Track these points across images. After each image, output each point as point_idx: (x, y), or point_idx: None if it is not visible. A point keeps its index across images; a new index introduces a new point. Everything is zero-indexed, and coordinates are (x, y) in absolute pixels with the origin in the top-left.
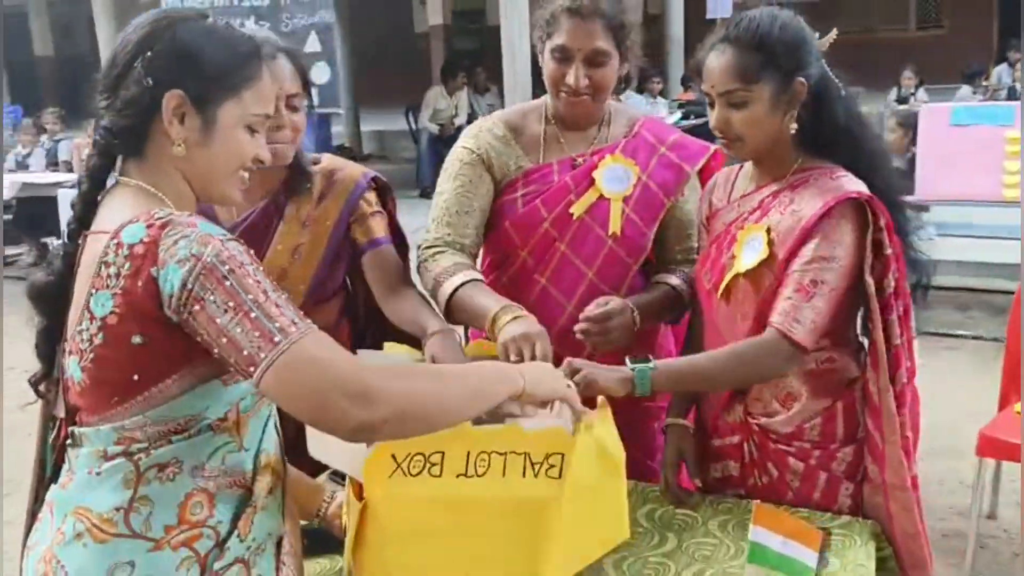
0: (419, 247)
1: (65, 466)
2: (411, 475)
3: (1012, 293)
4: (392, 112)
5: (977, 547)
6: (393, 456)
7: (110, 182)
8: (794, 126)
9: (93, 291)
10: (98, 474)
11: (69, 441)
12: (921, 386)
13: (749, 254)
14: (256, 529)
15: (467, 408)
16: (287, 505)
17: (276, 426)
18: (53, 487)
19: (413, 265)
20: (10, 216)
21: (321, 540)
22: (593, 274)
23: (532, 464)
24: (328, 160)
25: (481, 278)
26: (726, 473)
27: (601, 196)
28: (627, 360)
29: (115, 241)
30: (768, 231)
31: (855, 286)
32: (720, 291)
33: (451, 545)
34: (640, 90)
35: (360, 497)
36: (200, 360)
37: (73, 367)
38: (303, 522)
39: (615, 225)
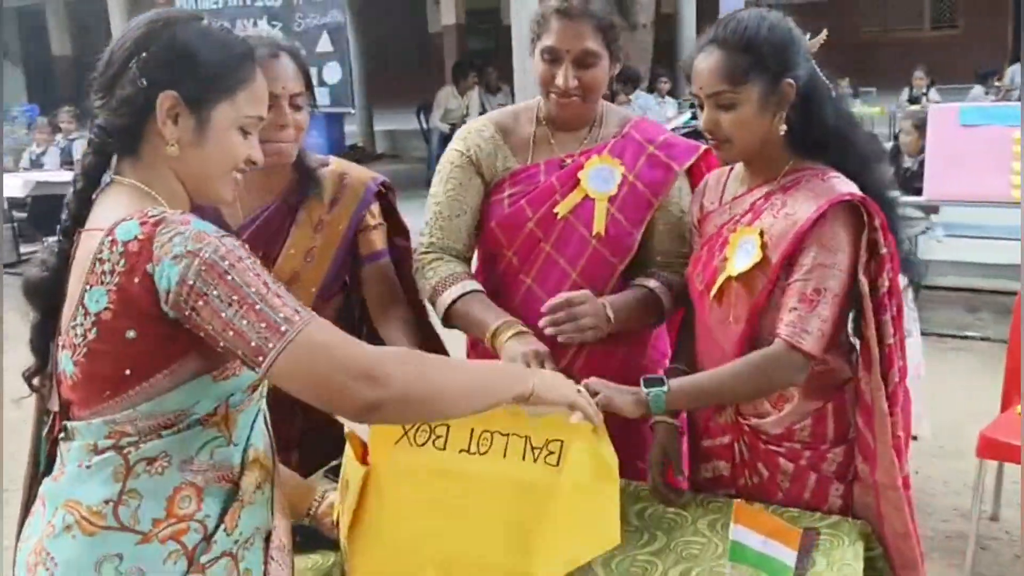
0: (416, 251)
1: (57, 460)
2: (416, 445)
3: None
4: (405, 112)
5: (979, 548)
6: None
7: (105, 180)
8: (783, 127)
9: (88, 287)
10: (88, 467)
11: (62, 435)
12: (929, 387)
13: (742, 257)
14: (243, 523)
15: (470, 402)
16: (277, 501)
17: (266, 423)
18: (46, 480)
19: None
20: (25, 214)
21: (312, 538)
22: (577, 274)
23: (532, 448)
24: (336, 163)
25: (478, 288)
26: (717, 473)
27: (586, 196)
28: (641, 382)
29: (109, 238)
30: (761, 234)
31: (853, 285)
32: (712, 293)
33: (447, 519)
34: (651, 90)
35: (362, 460)
36: (191, 356)
37: (66, 361)
38: (293, 521)
39: (599, 225)
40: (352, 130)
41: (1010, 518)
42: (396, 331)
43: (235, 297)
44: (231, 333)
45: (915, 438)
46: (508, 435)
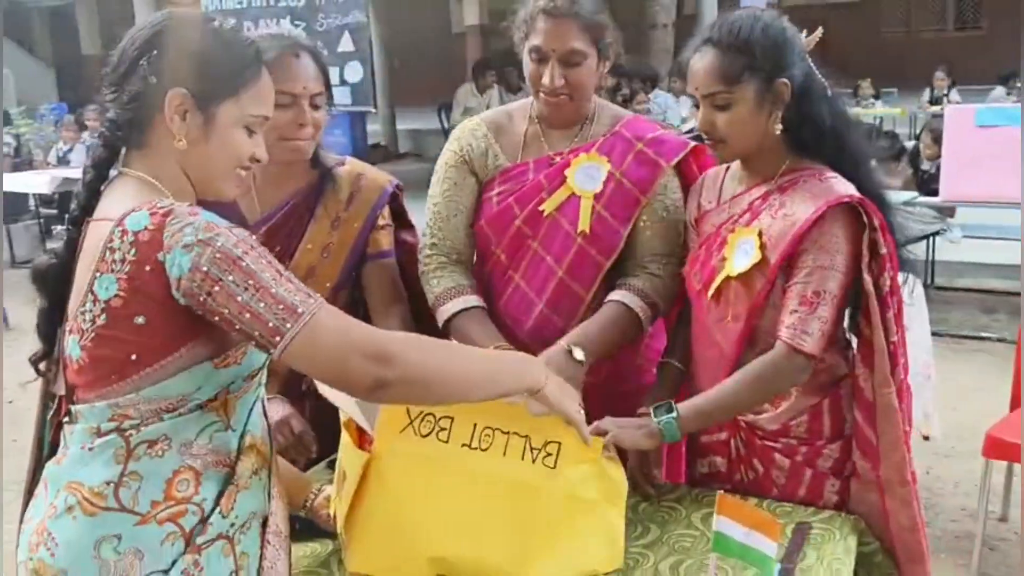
0: (420, 252)
1: (61, 443)
2: (421, 435)
3: None
4: (428, 111)
5: (987, 549)
6: (408, 411)
7: (113, 173)
8: (779, 127)
9: (98, 274)
10: (90, 449)
11: (66, 419)
12: (945, 388)
13: (741, 258)
14: (239, 507)
15: (476, 390)
16: (274, 487)
17: (264, 410)
18: (48, 464)
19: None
20: (55, 210)
21: (310, 527)
22: (563, 272)
23: (531, 448)
24: (352, 163)
25: (476, 304)
26: (713, 469)
27: (572, 194)
28: (651, 411)
29: (120, 228)
30: (759, 235)
31: (852, 286)
32: (710, 293)
33: (445, 510)
34: (668, 88)
35: (361, 445)
36: (196, 342)
37: (73, 346)
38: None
39: (584, 223)
40: (375, 129)
41: (1019, 519)
42: (392, 328)
43: (250, 282)
44: (248, 315)
45: (926, 438)
46: (509, 433)
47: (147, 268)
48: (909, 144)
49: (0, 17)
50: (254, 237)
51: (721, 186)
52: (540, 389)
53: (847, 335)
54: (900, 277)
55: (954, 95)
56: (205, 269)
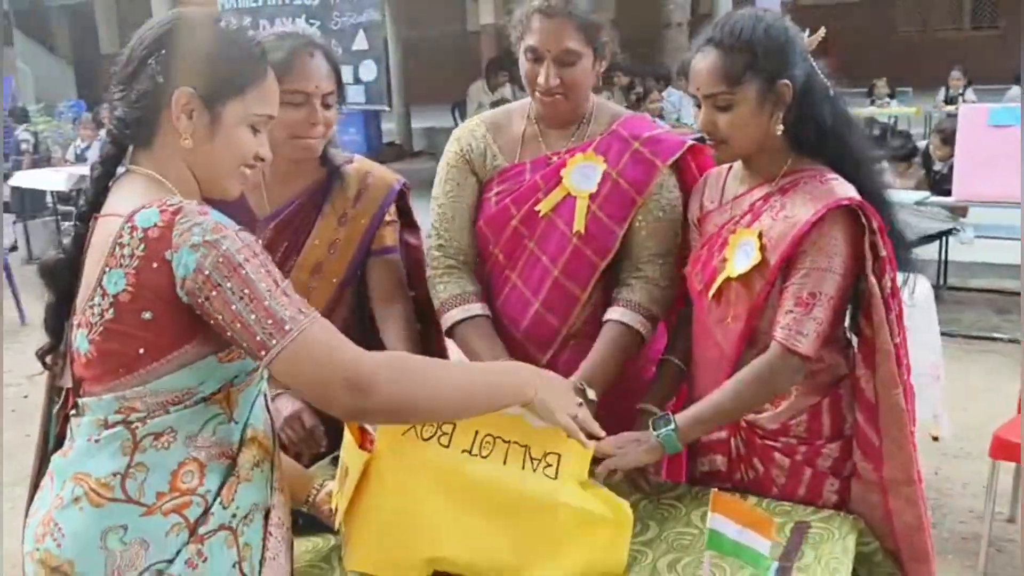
0: (427, 253)
1: (67, 436)
2: (422, 439)
3: None
4: (443, 110)
5: (994, 550)
6: None
7: (120, 170)
8: (780, 127)
9: (107, 269)
10: (97, 441)
11: (73, 411)
12: (955, 389)
13: (741, 259)
14: (240, 498)
15: (464, 410)
16: (276, 480)
17: (266, 404)
18: (55, 456)
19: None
20: (72, 207)
21: (312, 521)
22: (559, 272)
23: (531, 459)
24: (360, 161)
25: (479, 312)
26: (713, 468)
27: (568, 194)
28: (650, 425)
29: (129, 224)
30: (760, 236)
31: (851, 288)
32: (711, 293)
33: (444, 514)
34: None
35: (362, 445)
36: (201, 338)
37: (81, 340)
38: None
39: (579, 223)
40: (390, 128)
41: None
42: (393, 325)
43: (246, 291)
44: (239, 325)
45: (936, 439)
46: (510, 442)
47: (154, 265)
48: (922, 144)
49: (1, 18)
50: (259, 243)
51: (723, 186)
52: (529, 402)
53: (848, 334)
54: (901, 278)
55: (969, 94)
56: (207, 272)
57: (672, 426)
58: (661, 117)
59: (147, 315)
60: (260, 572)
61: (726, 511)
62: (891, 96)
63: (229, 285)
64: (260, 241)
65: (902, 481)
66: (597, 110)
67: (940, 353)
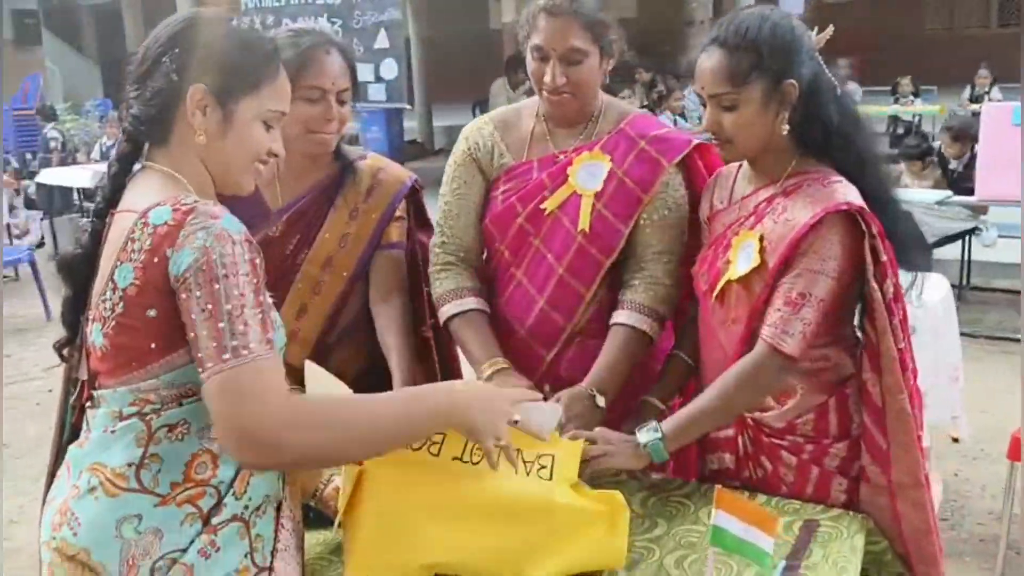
0: (430, 247)
1: (84, 427)
2: (411, 448)
3: None
4: (464, 108)
5: (1012, 553)
6: None
7: (137, 167)
8: (786, 127)
9: (118, 263)
10: (113, 432)
11: (89, 403)
12: (976, 390)
13: (743, 261)
14: (252, 490)
15: (378, 449)
16: (289, 473)
17: None
18: (71, 447)
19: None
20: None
21: (320, 517)
22: (563, 270)
23: (524, 462)
24: (373, 157)
25: (474, 307)
26: (722, 466)
27: (574, 192)
28: (636, 433)
29: (143, 220)
30: (761, 239)
31: (848, 292)
32: (715, 294)
33: (438, 522)
34: None
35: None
36: None
37: (96, 334)
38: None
39: (584, 221)
40: (412, 126)
41: None
42: (388, 322)
43: (209, 306)
44: (192, 334)
45: (955, 440)
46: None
47: (155, 260)
48: (938, 144)
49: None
50: (257, 259)
51: (733, 185)
52: (457, 424)
53: (856, 333)
54: (909, 279)
55: (995, 93)
56: (189, 275)
57: (659, 435)
58: (683, 115)
59: (152, 312)
60: (271, 563)
61: (730, 508)
62: (915, 94)
63: (199, 294)
64: (261, 258)
65: (909, 485)
66: (606, 109)
67: (960, 354)
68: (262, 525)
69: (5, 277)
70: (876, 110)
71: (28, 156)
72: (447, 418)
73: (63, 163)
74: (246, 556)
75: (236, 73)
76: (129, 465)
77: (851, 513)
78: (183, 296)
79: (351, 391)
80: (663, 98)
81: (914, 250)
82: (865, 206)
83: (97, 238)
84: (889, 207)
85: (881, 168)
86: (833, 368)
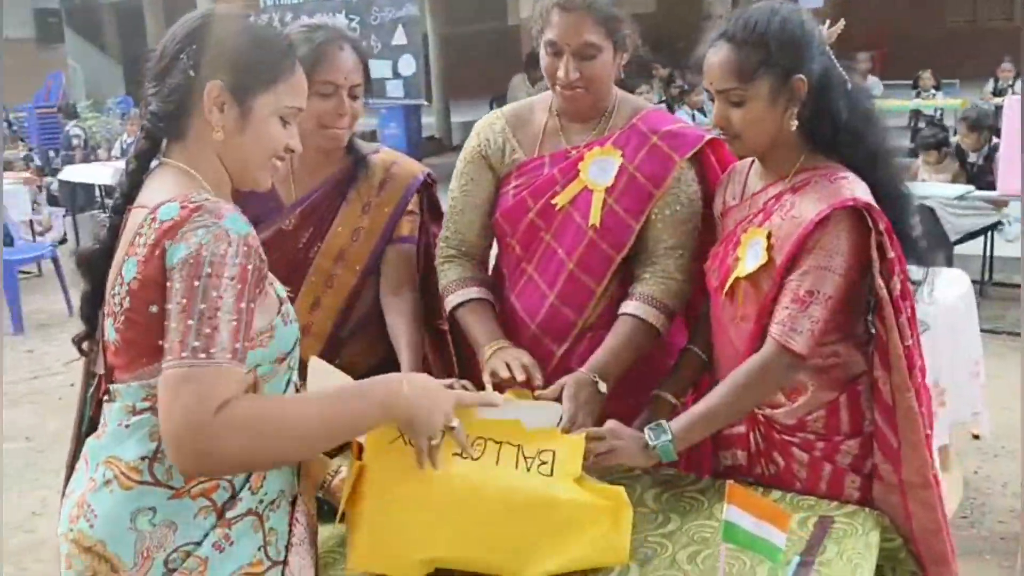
0: (438, 241)
1: (101, 420)
2: (411, 444)
3: None
4: (483, 104)
5: None
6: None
7: (155, 164)
8: (795, 123)
9: (126, 258)
10: (127, 427)
11: (106, 397)
12: (997, 387)
13: (751, 258)
14: (268, 484)
15: (314, 450)
16: (303, 468)
17: (296, 392)
18: (89, 439)
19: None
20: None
21: (333, 509)
22: (574, 265)
23: (525, 458)
24: (386, 152)
25: (478, 296)
26: (735, 462)
27: (585, 187)
28: (645, 431)
29: (152, 216)
30: (768, 236)
31: (857, 288)
32: (724, 291)
33: (439, 518)
34: None
35: (358, 455)
36: None
37: (110, 329)
38: None
39: (595, 217)
40: (430, 122)
41: None
42: (398, 316)
43: (184, 301)
44: (164, 322)
45: (976, 437)
46: (501, 443)
47: (156, 253)
48: (955, 138)
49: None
50: (248, 266)
51: (745, 181)
52: (398, 419)
53: (870, 329)
54: (920, 274)
55: (1019, 86)
56: (176, 267)
57: (669, 436)
58: (702, 111)
59: (153, 308)
60: (285, 557)
61: (743, 503)
62: (936, 88)
63: (178, 287)
64: (262, 262)
65: (918, 484)
66: (620, 104)
67: (980, 350)
68: (276, 519)
69: (28, 273)
70: (898, 104)
71: (51, 153)
72: (389, 410)
73: (85, 160)
74: (260, 550)
75: (253, 69)
76: (143, 459)
77: (866, 510)
78: (167, 285)
79: None
80: (684, 93)
81: (925, 246)
82: (872, 202)
83: (115, 233)
84: (900, 202)
85: (892, 163)
86: (843, 365)
